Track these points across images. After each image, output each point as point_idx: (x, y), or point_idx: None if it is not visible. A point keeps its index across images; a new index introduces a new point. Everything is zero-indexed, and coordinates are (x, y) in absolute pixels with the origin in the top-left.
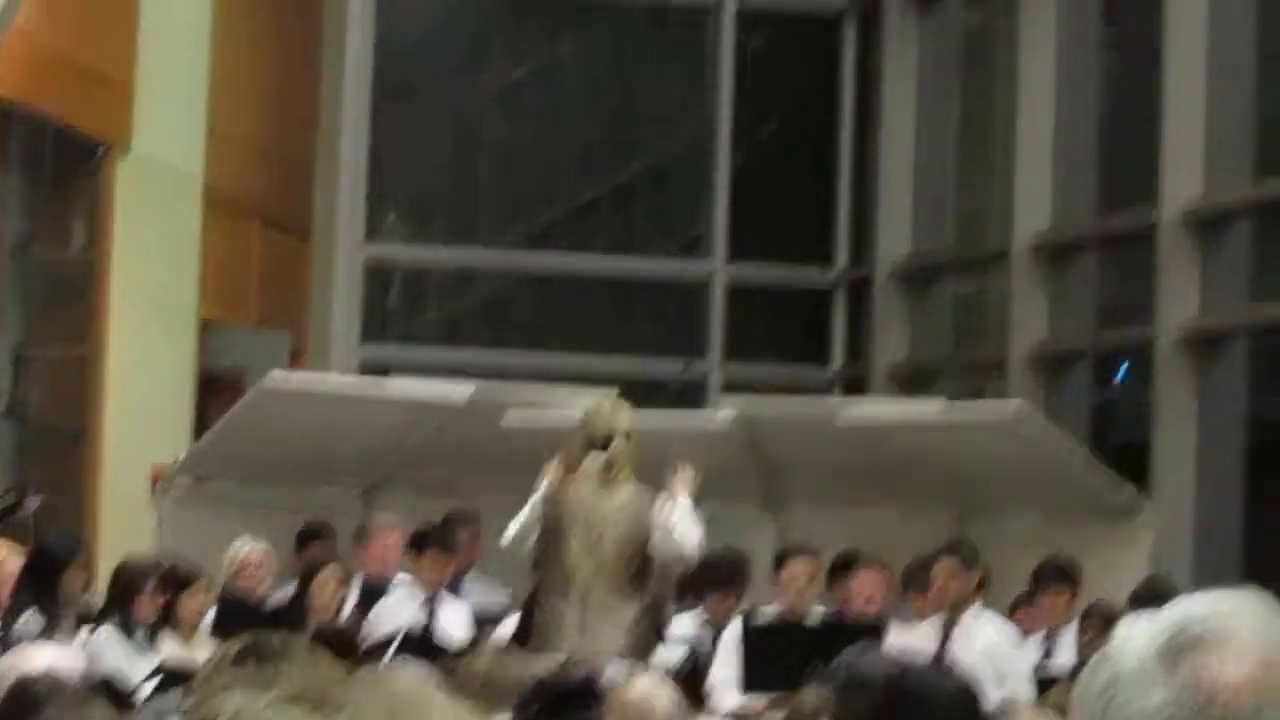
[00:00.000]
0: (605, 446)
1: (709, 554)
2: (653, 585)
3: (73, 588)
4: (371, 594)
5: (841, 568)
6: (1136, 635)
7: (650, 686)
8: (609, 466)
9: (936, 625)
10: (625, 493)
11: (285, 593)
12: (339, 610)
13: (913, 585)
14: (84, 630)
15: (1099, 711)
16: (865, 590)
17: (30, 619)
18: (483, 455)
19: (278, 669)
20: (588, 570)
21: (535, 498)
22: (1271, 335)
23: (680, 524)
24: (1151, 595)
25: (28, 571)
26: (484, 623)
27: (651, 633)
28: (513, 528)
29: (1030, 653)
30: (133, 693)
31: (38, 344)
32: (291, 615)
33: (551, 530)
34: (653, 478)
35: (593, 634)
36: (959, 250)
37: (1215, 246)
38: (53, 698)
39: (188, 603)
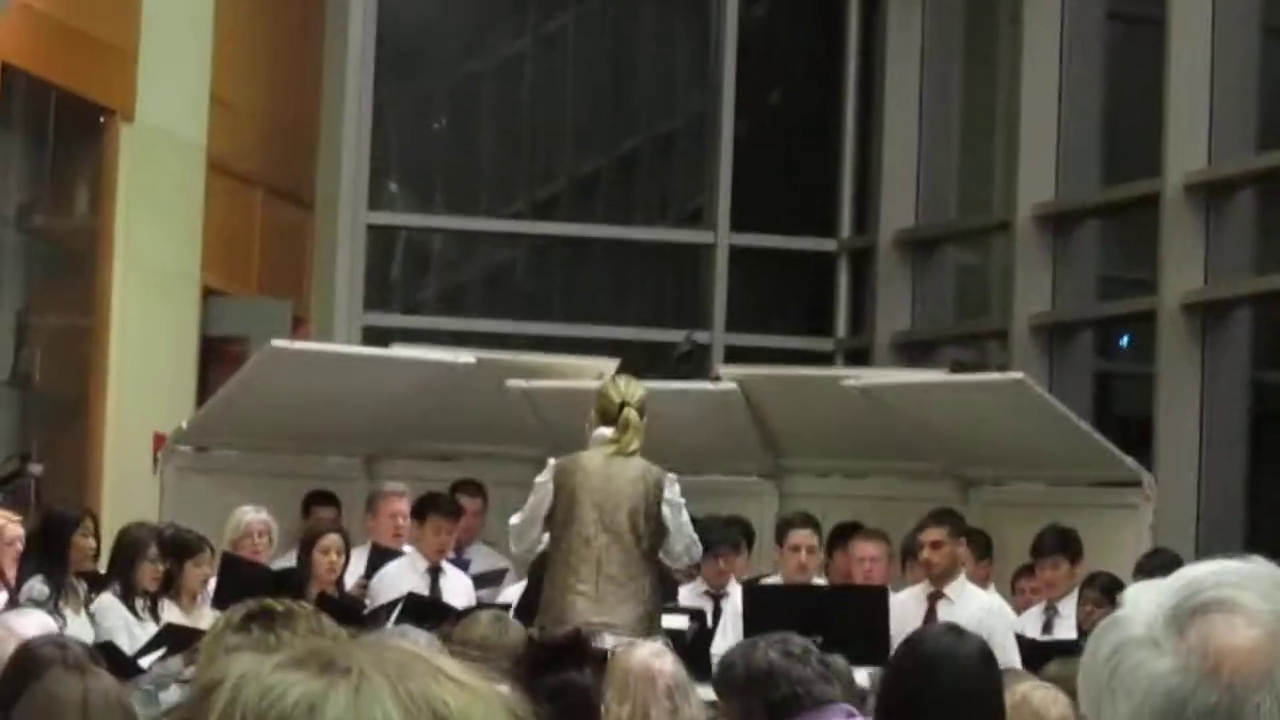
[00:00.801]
0: (617, 420)
1: (710, 522)
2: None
3: (80, 554)
4: (380, 562)
5: (840, 538)
6: (1144, 600)
7: (652, 655)
8: (620, 433)
9: (920, 594)
10: (637, 465)
11: (287, 561)
12: (340, 577)
13: (911, 555)
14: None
15: (1105, 677)
16: (865, 558)
17: (35, 586)
18: (486, 423)
19: (282, 634)
20: (603, 542)
21: (542, 477)
22: (1274, 305)
23: (688, 528)
24: (1157, 567)
25: (35, 538)
26: (486, 591)
27: (661, 605)
28: (516, 518)
29: (1019, 623)
30: (136, 657)
31: (40, 312)
32: (293, 582)
33: (565, 501)
34: (654, 447)
35: (607, 606)
36: (962, 220)
37: (1219, 217)
38: (55, 663)
39: (192, 572)
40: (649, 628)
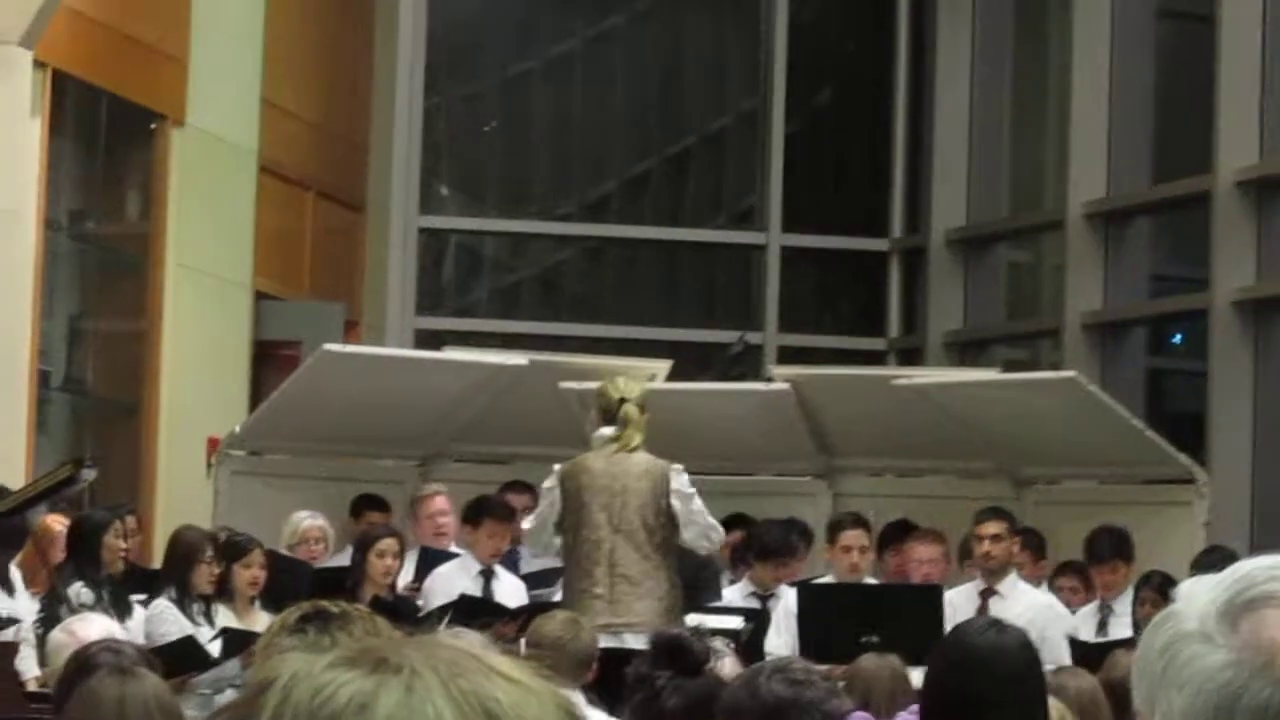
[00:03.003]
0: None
1: (761, 524)
2: (676, 556)
3: (112, 553)
4: (429, 564)
5: (892, 538)
6: (1198, 595)
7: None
8: (621, 429)
9: (972, 591)
10: (641, 461)
11: (340, 563)
12: (394, 580)
13: (970, 554)
14: (132, 597)
15: (1159, 671)
16: (923, 559)
17: (82, 591)
18: (539, 425)
19: (337, 635)
20: (614, 543)
21: (548, 483)
22: None
23: (702, 515)
24: (1214, 564)
25: (70, 543)
26: (539, 591)
27: (681, 600)
28: (530, 521)
29: (1074, 622)
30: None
31: (93, 317)
32: (344, 580)
33: (573, 505)
34: (706, 448)
35: (624, 606)
36: (1013, 218)
37: (1270, 213)
38: (103, 666)
39: (242, 574)
40: (671, 623)
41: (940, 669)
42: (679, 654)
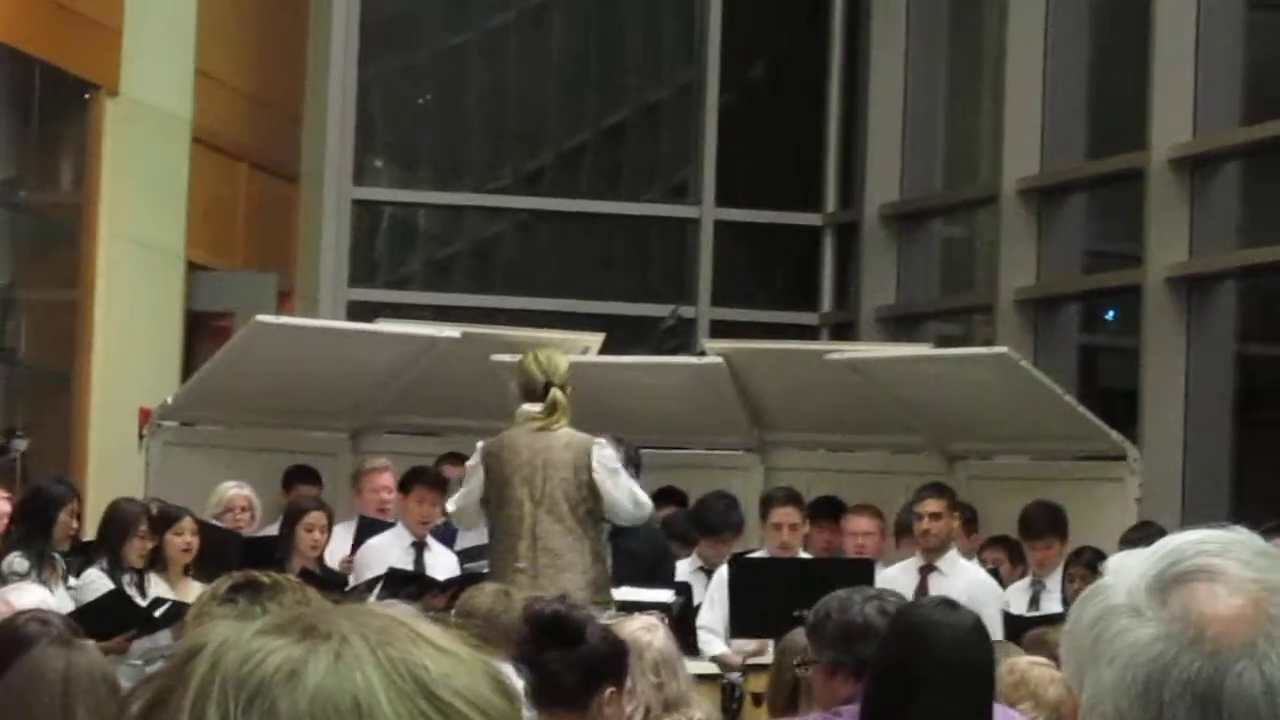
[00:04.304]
0: (543, 395)
1: (704, 499)
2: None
3: (64, 530)
4: (367, 534)
5: (820, 513)
6: (1127, 569)
7: (643, 628)
8: (547, 414)
9: (911, 567)
10: (562, 435)
11: (268, 533)
12: (322, 553)
13: (908, 530)
14: (73, 571)
15: (1088, 645)
16: (859, 532)
17: (15, 560)
18: (471, 398)
19: (268, 605)
20: (536, 517)
21: (472, 461)
22: (1260, 278)
23: (628, 490)
24: (1143, 539)
25: (19, 513)
26: (472, 566)
27: (608, 572)
28: (452, 505)
29: (1005, 597)
30: (146, 614)
31: (25, 286)
32: (275, 554)
33: (496, 481)
34: (639, 420)
35: (547, 578)
36: (947, 194)
37: (1203, 190)
38: (40, 637)
39: (174, 541)
40: (594, 596)
41: (888, 643)
42: (558, 629)
